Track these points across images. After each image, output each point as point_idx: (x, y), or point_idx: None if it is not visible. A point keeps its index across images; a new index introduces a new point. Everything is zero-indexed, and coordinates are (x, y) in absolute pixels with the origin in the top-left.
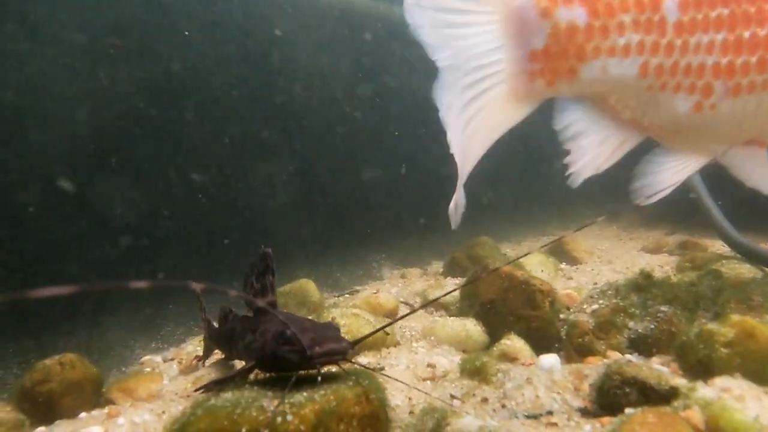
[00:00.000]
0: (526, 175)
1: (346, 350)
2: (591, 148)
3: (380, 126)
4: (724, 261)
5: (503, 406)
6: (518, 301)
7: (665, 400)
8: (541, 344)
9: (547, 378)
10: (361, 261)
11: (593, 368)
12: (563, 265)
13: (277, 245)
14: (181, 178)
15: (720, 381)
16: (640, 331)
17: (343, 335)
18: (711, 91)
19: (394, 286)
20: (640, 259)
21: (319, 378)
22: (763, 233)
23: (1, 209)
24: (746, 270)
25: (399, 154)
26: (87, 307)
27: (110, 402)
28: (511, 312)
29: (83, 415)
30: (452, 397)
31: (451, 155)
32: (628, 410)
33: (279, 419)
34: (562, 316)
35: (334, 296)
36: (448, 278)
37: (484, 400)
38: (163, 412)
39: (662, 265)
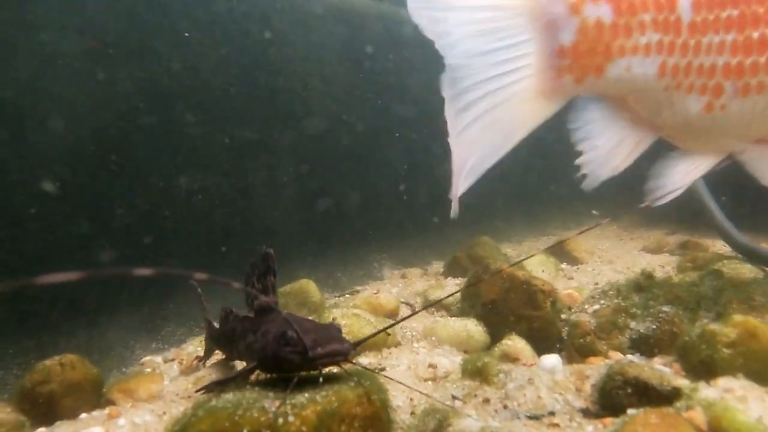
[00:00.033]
0: (527, 175)
1: (348, 351)
2: (608, 149)
3: (381, 126)
4: (725, 261)
5: (505, 407)
6: (519, 301)
7: (667, 401)
8: (542, 344)
9: (549, 378)
10: (361, 261)
11: (595, 369)
12: (564, 265)
13: (277, 245)
14: (182, 178)
15: (722, 381)
16: (641, 331)
17: (344, 336)
18: (721, 92)
19: (394, 287)
20: (641, 259)
21: (321, 379)
22: (764, 233)
23: (1, 209)
24: (747, 270)
25: (400, 154)
26: (87, 308)
27: (111, 403)
28: (513, 312)
29: (84, 415)
30: (454, 397)
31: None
32: (630, 411)
33: (280, 420)
34: (563, 316)
35: (335, 296)
36: (449, 278)
37: (486, 400)
38: (164, 413)
39: (663, 265)
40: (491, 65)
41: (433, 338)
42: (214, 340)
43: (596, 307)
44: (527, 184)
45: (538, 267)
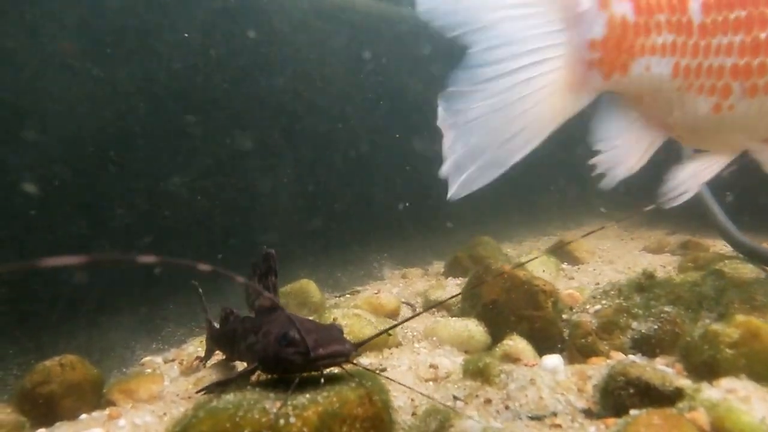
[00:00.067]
0: (527, 175)
1: (349, 352)
2: (625, 148)
3: (382, 126)
4: (726, 261)
5: (507, 408)
6: (521, 301)
7: (670, 402)
8: (543, 345)
9: (551, 379)
10: (361, 261)
11: (597, 369)
12: (565, 265)
13: (277, 245)
14: (182, 178)
15: (725, 382)
16: (643, 331)
17: (345, 336)
18: (730, 92)
19: (395, 287)
20: (642, 259)
21: (322, 380)
22: (765, 233)
23: (1, 209)
24: (749, 270)
25: (400, 154)
26: (87, 308)
27: (111, 403)
28: (514, 312)
29: (84, 416)
30: (455, 398)
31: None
32: (632, 412)
33: (282, 421)
34: (564, 316)
35: (335, 296)
36: (450, 278)
37: (488, 401)
38: (165, 414)
39: (664, 265)
40: (521, 54)
41: (434, 338)
42: (215, 341)
43: (597, 307)
44: (528, 184)
45: (539, 267)
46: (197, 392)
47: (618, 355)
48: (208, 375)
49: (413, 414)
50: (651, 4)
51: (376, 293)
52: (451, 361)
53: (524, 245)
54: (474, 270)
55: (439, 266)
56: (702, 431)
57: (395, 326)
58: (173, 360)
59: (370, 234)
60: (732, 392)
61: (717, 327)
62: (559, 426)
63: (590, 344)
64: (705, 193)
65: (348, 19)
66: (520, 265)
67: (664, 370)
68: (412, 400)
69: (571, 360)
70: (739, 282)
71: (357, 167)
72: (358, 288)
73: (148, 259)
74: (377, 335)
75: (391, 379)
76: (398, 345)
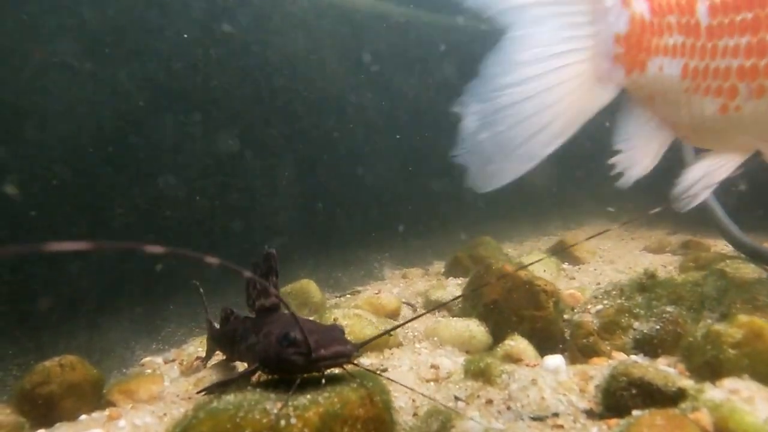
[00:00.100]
0: (528, 175)
1: (351, 353)
2: (641, 149)
3: (382, 126)
4: (727, 261)
5: (508, 408)
6: (522, 301)
7: (672, 402)
8: (545, 345)
9: (553, 379)
10: (362, 261)
11: (598, 369)
12: (565, 265)
13: (278, 245)
14: (182, 178)
15: (728, 382)
16: (645, 331)
17: (347, 337)
18: (736, 93)
19: (395, 287)
20: (643, 259)
21: (323, 381)
22: (767, 233)
23: (1, 209)
24: (751, 270)
25: (401, 154)
26: (87, 308)
27: (111, 404)
28: (515, 312)
29: (84, 417)
30: (456, 398)
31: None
32: (635, 412)
33: (283, 422)
34: (566, 316)
35: (336, 297)
36: (450, 278)
37: (489, 401)
38: (165, 415)
39: (665, 265)
40: (557, 41)
41: (435, 338)
42: (215, 341)
43: (599, 307)
44: (528, 184)
45: (540, 267)
46: (197, 393)
47: (620, 356)
48: (209, 375)
49: (414, 415)
50: (663, 5)
51: (376, 293)
52: (453, 362)
53: (525, 245)
54: (475, 270)
55: (439, 266)
56: None
57: (397, 327)
58: (173, 360)
59: (371, 234)
60: (735, 393)
61: (719, 327)
62: (561, 427)
63: (592, 344)
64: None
65: (348, 19)
66: (524, 267)
67: (666, 371)
68: (414, 400)
69: (572, 360)
70: (740, 282)
71: (357, 167)
72: (359, 288)
73: (156, 249)
74: (379, 336)
75: (392, 380)
76: (399, 345)
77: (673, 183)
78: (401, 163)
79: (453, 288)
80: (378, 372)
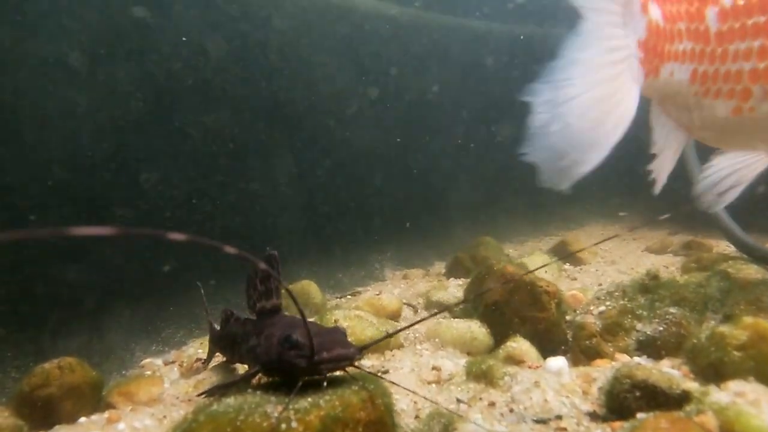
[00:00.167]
0: (528, 175)
1: (353, 356)
2: (665, 152)
3: (382, 126)
4: (730, 261)
5: (511, 411)
6: (524, 302)
7: (677, 405)
8: (547, 347)
9: (555, 381)
10: (362, 262)
11: (601, 371)
12: (567, 266)
13: (278, 246)
14: (182, 179)
15: (733, 385)
16: (648, 333)
17: (349, 339)
18: (749, 95)
19: (396, 287)
20: (645, 260)
21: (325, 383)
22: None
23: (0, 209)
24: (754, 271)
25: (401, 154)
26: (87, 310)
27: (110, 406)
28: (517, 314)
29: (83, 419)
30: (458, 401)
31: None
32: (639, 415)
33: (283, 426)
34: (568, 317)
35: (336, 298)
36: (451, 279)
37: (492, 404)
38: (164, 417)
39: (667, 266)
40: (605, 41)
41: (437, 340)
42: (215, 343)
43: (601, 308)
44: (528, 184)
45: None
46: (198, 395)
47: (623, 357)
48: (209, 377)
49: (416, 417)
50: (674, 12)
51: (377, 294)
52: (454, 363)
53: (526, 245)
54: (476, 271)
55: (440, 267)
56: None
57: (401, 330)
58: (173, 362)
59: (371, 234)
60: (741, 395)
61: (724, 329)
62: (564, 429)
63: (594, 346)
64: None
65: (348, 19)
66: (531, 272)
67: (670, 373)
68: (415, 403)
69: (575, 362)
70: (744, 283)
71: (358, 167)
72: (360, 289)
73: (177, 236)
74: (382, 339)
75: (393, 383)
76: (400, 347)
77: (674, 186)
78: (402, 163)
79: (454, 289)
80: (379, 374)
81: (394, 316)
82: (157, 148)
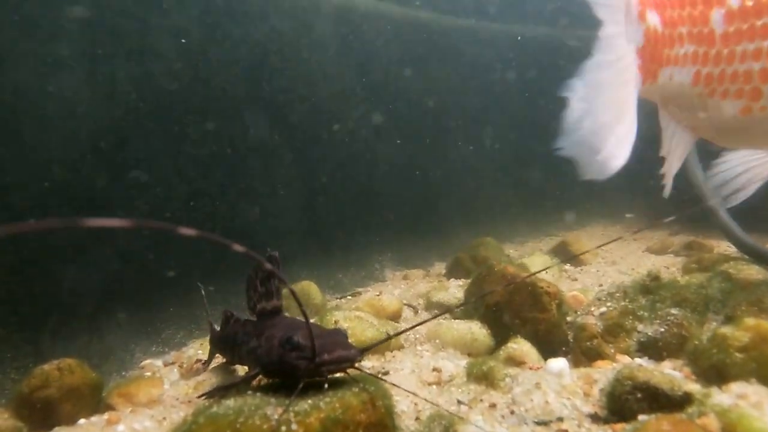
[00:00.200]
0: (528, 175)
1: (355, 357)
2: (672, 152)
3: (382, 127)
4: (731, 262)
5: (512, 412)
6: (524, 303)
7: (679, 407)
8: (548, 348)
9: (557, 383)
10: (362, 262)
11: (603, 373)
12: (567, 267)
13: (278, 246)
14: (182, 179)
15: (735, 387)
16: (649, 334)
17: (350, 341)
18: (760, 95)
19: (396, 288)
20: (646, 260)
21: (326, 385)
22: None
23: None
24: (755, 271)
25: (401, 155)
26: (86, 311)
27: (110, 407)
28: (518, 314)
29: (82, 421)
30: (459, 402)
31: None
32: (641, 417)
33: (283, 428)
34: (569, 318)
35: (336, 298)
36: (452, 280)
37: (492, 405)
38: (164, 419)
39: (668, 267)
40: (614, 47)
41: (437, 341)
42: (214, 343)
43: (603, 309)
44: (529, 185)
45: (541, 267)
46: (198, 397)
47: (624, 359)
48: (209, 378)
49: (416, 419)
50: (674, 16)
51: (377, 295)
52: (455, 365)
53: (526, 246)
54: (476, 271)
55: (440, 267)
56: None
57: (403, 332)
58: (173, 363)
59: (372, 235)
60: (743, 397)
61: (726, 330)
62: (565, 431)
63: (596, 347)
64: (708, 191)
65: (348, 19)
66: (533, 274)
67: (672, 375)
68: (416, 404)
69: (576, 363)
70: (745, 284)
71: (358, 168)
72: (360, 289)
73: (188, 231)
74: (384, 341)
75: (394, 384)
76: (400, 347)
77: (676, 186)
78: (402, 163)
79: (454, 289)
80: (379, 375)
81: (395, 317)
82: (157, 149)
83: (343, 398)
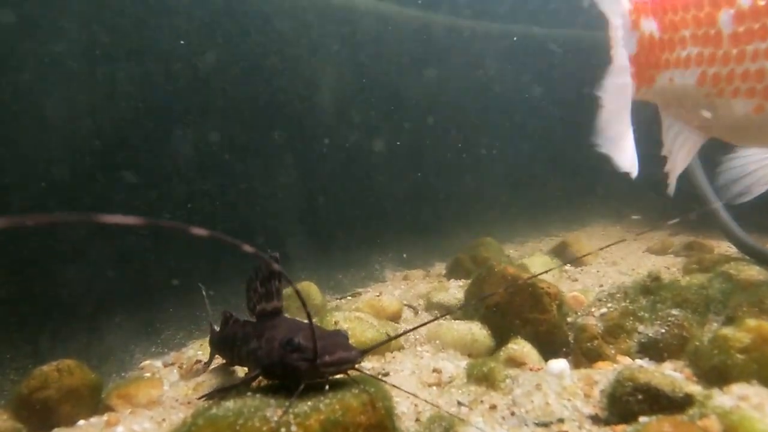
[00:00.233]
0: (529, 176)
1: (356, 359)
2: (675, 152)
3: (382, 127)
4: (732, 263)
5: (512, 414)
6: (525, 304)
7: (680, 409)
8: (548, 349)
9: (557, 384)
10: (362, 262)
11: (603, 374)
12: (568, 267)
13: (278, 247)
14: (182, 180)
15: (737, 388)
16: (650, 335)
17: (350, 342)
18: None
19: (396, 288)
20: (646, 261)
21: (327, 387)
22: None
23: (0, 210)
24: (756, 272)
25: (401, 155)
26: (86, 311)
27: (109, 409)
28: (518, 315)
29: (82, 422)
30: (459, 404)
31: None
32: (642, 419)
33: (283, 430)
34: (569, 319)
35: (336, 299)
36: (452, 280)
37: (493, 407)
38: (163, 420)
39: (668, 267)
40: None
41: (437, 341)
42: (213, 344)
43: (603, 310)
44: (529, 185)
45: (542, 269)
46: (198, 399)
47: (624, 360)
48: (208, 379)
49: (417, 420)
50: (675, 20)
51: (377, 295)
52: (455, 366)
53: (526, 246)
54: (477, 272)
55: (440, 267)
56: None
57: (404, 333)
58: (173, 364)
59: (372, 235)
60: (744, 399)
61: (727, 331)
62: None
63: (596, 348)
64: (708, 191)
65: (348, 19)
66: (535, 276)
67: (673, 376)
68: (416, 405)
69: (576, 364)
70: (746, 284)
71: (358, 168)
72: (360, 290)
73: (200, 231)
74: (384, 342)
75: (394, 386)
76: (400, 348)
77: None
78: (402, 163)
79: (455, 290)
80: (379, 376)
81: (395, 318)
82: (157, 149)
83: (343, 400)
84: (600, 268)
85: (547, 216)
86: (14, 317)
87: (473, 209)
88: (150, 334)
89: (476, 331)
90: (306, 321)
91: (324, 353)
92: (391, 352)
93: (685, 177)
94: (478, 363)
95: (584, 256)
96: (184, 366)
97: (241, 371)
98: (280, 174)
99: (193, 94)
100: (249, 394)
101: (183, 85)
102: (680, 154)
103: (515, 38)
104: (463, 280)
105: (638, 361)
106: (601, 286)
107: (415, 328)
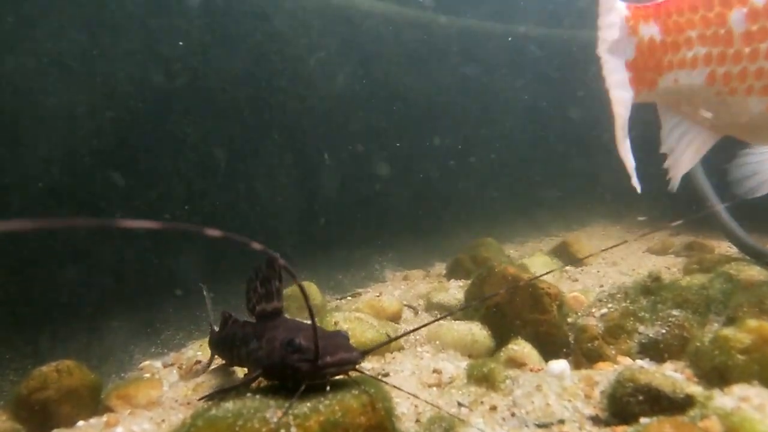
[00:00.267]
0: (529, 176)
1: (357, 360)
2: (681, 150)
3: (383, 127)
4: (732, 263)
5: (513, 415)
6: (525, 304)
7: (681, 409)
8: (548, 349)
9: (557, 384)
10: (363, 263)
11: (604, 375)
12: (568, 267)
13: (279, 247)
14: (182, 180)
15: (738, 389)
16: (651, 335)
17: (351, 343)
18: None
19: (396, 289)
20: (647, 261)
21: (328, 388)
22: None
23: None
24: (757, 272)
25: (401, 155)
26: (85, 312)
27: (109, 409)
28: (518, 316)
29: (81, 423)
30: (459, 404)
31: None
32: (642, 420)
33: (283, 431)
34: (569, 320)
35: (336, 299)
36: (452, 280)
37: (493, 408)
38: (163, 421)
39: (669, 267)
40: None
41: (437, 342)
42: (214, 345)
43: (603, 310)
44: (529, 185)
45: (542, 269)
46: (198, 399)
47: (625, 360)
48: (208, 380)
49: (417, 421)
50: (681, 22)
51: (377, 296)
52: (455, 366)
53: (526, 246)
54: (477, 272)
55: (440, 268)
56: None
57: (405, 335)
58: (172, 364)
59: (372, 235)
60: (745, 400)
61: (728, 332)
62: None
63: (597, 349)
64: (709, 192)
65: (348, 19)
66: (536, 278)
67: (673, 377)
68: (416, 406)
69: (577, 365)
70: (747, 284)
71: (358, 168)
72: (360, 290)
73: (214, 232)
74: (385, 343)
75: (394, 386)
76: (400, 349)
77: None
78: (402, 164)
79: (455, 290)
80: (379, 377)
81: (395, 318)
82: (157, 149)
83: (343, 401)
84: (600, 269)
85: (547, 216)
86: (14, 317)
87: (473, 209)
88: (149, 334)
89: (476, 332)
90: (305, 321)
91: (325, 354)
92: (391, 353)
93: (687, 177)
94: (479, 364)
95: (587, 257)
96: (184, 367)
97: (240, 372)
98: (280, 174)
99: (193, 94)
100: (249, 395)
101: (183, 84)
102: (687, 153)
103: (514, 39)
104: (463, 280)
105: (639, 362)
106: (602, 286)
107: (415, 329)
